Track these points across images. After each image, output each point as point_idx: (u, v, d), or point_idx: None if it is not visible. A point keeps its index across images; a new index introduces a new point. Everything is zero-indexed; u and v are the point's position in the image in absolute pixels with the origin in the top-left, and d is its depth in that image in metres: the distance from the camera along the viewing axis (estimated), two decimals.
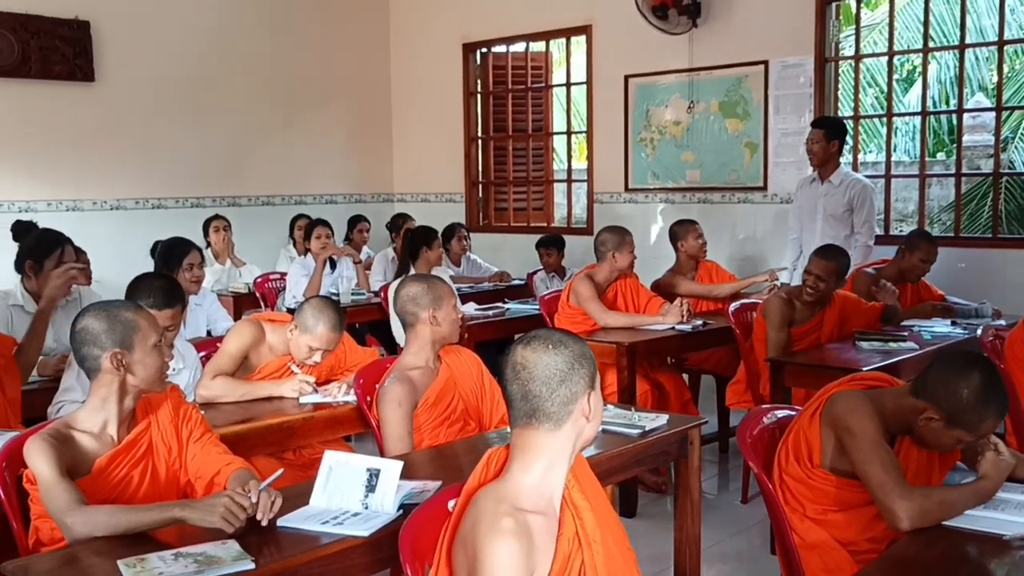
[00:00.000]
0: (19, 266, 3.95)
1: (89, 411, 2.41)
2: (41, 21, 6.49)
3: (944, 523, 2.29)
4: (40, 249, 3.91)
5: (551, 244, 6.66)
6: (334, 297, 6.07)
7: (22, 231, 5.20)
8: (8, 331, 3.81)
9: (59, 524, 2.22)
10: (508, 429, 3.07)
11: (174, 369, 3.33)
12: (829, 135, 5.46)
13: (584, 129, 7.60)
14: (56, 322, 3.93)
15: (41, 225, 5.03)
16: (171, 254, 4.40)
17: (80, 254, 5.44)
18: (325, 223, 6.50)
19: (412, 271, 5.96)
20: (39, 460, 2.26)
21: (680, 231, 5.57)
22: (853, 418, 2.46)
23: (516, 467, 1.89)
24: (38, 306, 3.66)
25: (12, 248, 4.38)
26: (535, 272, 6.64)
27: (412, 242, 6.14)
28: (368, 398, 3.26)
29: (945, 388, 2.36)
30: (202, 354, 3.71)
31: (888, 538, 2.42)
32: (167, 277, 3.50)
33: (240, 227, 7.03)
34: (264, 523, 2.18)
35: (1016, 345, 3.73)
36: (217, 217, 6.83)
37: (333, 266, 6.52)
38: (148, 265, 4.85)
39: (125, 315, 2.42)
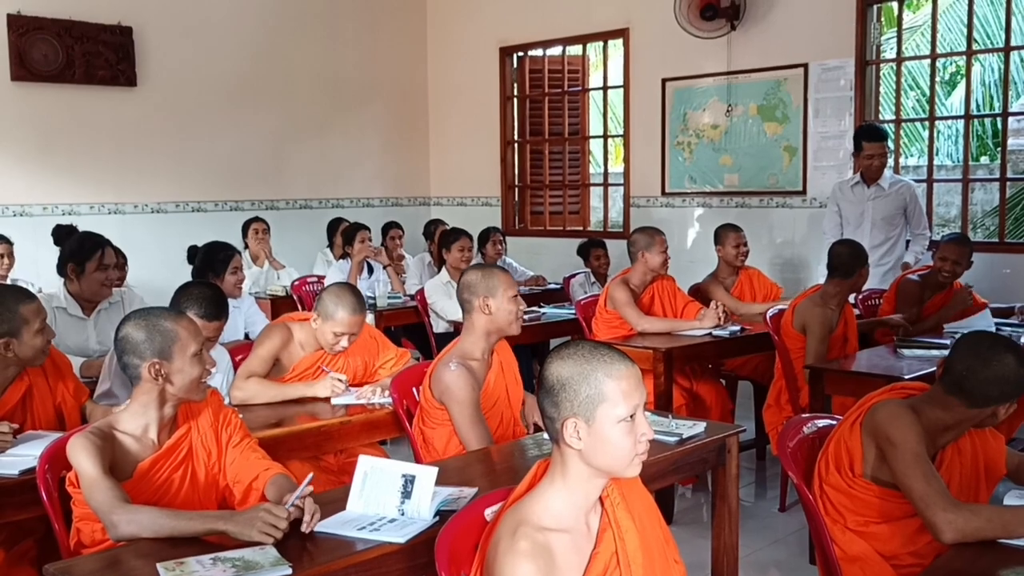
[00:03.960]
0: (61, 269, 4.02)
1: (131, 414, 2.44)
2: (85, 27, 6.59)
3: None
4: (81, 252, 3.97)
5: (601, 246, 6.60)
6: (370, 300, 6.12)
7: (64, 235, 5.27)
8: None
9: (103, 521, 2.24)
10: (543, 435, 3.10)
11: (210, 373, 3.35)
12: (887, 144, 5.50)
13: (621, 133, 7.57)
14: (99, 324, 3.99)
15: (83, 228, 5.10)
16: (216, 258, 4.44)
17: (117, 255, 5.53)
18: (366, 227, 6.55)
19: (444, 274, 6.00)
20: (83, 457, 2.27)
21: (722, 235, 5.54)
22: (894, 428, 2.42)
23: (545, 481, 1.89)
24: None
25: (55, 251, 4.44)
26: (572, 276, 6.60)
27: (438, 246, 6.21)
28: (404, 402, 3.26)
29: (986, 374, 2.39)
30: (239, 358, 3.74)
31: (933, 552, 2.37)
32: (215, 287, 3.53)
33: (278, 230, 7.09)
34: (307, 530, 2.19)
35: None
36: (257, 220, 6.89)
37: (371, 270, 6.55)
38: (187, 268, 4.89)
39: (164, 324, 2.43)
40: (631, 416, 1.82)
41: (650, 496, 2.02)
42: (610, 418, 1.80)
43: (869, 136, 5.54)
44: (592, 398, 1.80)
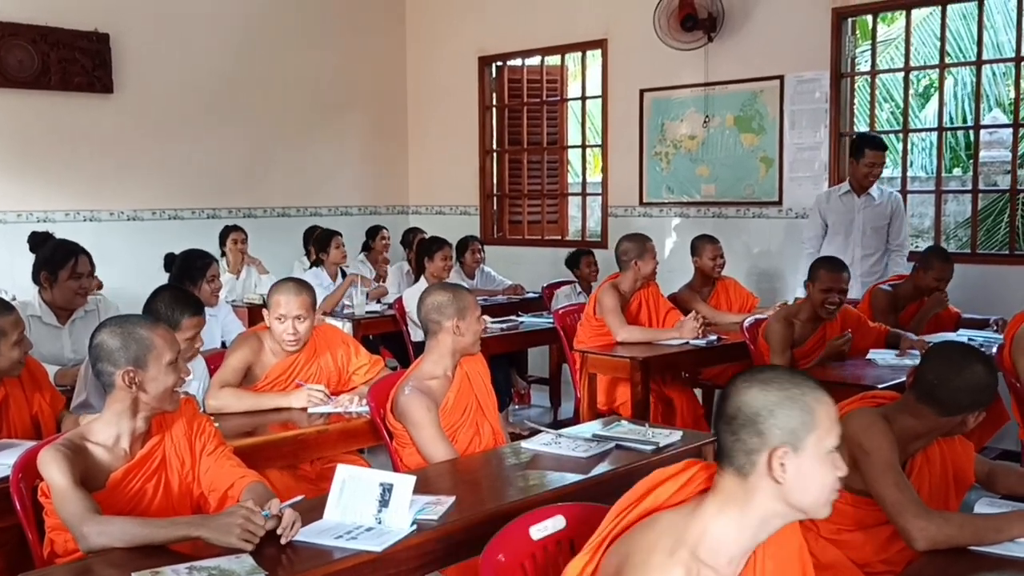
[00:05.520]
0: (35, 277, 3.99)
1: (104, 424, 2.42)
2: (61, 33, 6.55)
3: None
4: (54, 260, 3.95)
5: (591, 254, 6.56)
6: (347, 309, 6.11)
7: (39, 242, 5.24)
8: None
9: (74, 533, 2.22)
10: (520, 444, 3.11)
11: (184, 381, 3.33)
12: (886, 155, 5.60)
13: (599, 143, 7.61)
14: (74, 332, 3.97)
15: (59, 235, 5.06)
16: (194, 266, 4.42)
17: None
18: (338, 232, 6.56)
19: (423, 282, 6.00)
20: (53, 469, 2.26)
21: (699, 246, 5.59)
22: (867, 436, 2.45)
23: (710, 505, 1.72)
24: None
25: (30, 258, 4.41)
26: (557, 286, 6.58)
27: (418, 255, 6.20)
28: (381, 411, 3.26)
29: (957, 383, 2.43)
30: (215, 366, 3.73)
31: (904, 559, 2.40)
32: (182, 288, 3.53)
33: (255, 238, 7.06)
34: (283, 541, 2.18)
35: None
36: (236, 229, 6.86)
37: (343, 275, 6.55)
38: (163, 276, 4.86)
39: (140, 332, 2.41)
40: (836, 448, 1.71)
41: (800, 541, 1.84)
42: (822, 448, 1.68)
43: (873, 144, 5.57)
44: (806, 425, 1.67)
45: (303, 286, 3.64)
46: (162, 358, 2.40)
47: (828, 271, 4.34)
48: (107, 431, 2.41)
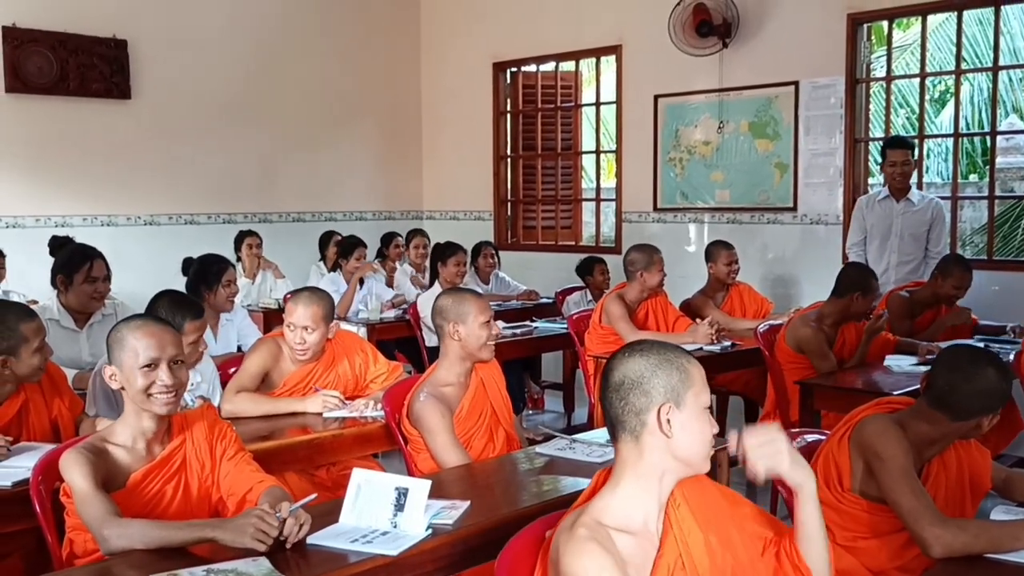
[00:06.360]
0: (53, 281, 4.03)
1: (122, 424, 2.45)
2: (80, 40, 6.61)
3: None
4: (70, 264, 3.99)
5: (603, 262, 6.55)
6: (362, 314, 6.14)
7: (58, 246, 5.29)
8: None
9: (95, 535, 2.24)
10: (534, 449, 3.12)
11: (193, 384, 3.33)
12: (912, 153, 5.51)
13: (613, 148, 7.62)
14: (92, 336, 4.00)
15: (77, 240, 5.11)
16: (210, 270, 4.45)
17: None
18: (364, 243, 6.59)
19: (437, 287, 6.02)
20: (75, 472, 2.28)
21: (714, 252, 5.57)
22: (881, 443, 2.44)
23: (608, 486, 1.86)
24: None
25: (47, 263, 4.45)
26: (569, 292, 6.57)
27: (432, 260, 6.23)
28: (396, 416, 3.27)
29: (968, 388, 2.42)
30: (232, 370, 3.75)
31: (920, 567, 2.39)
32: (181, 293, 3.56)
33: (271, 243, 7.11)
34: (288, 545, 2.19)
35: None
36: (251, 234, 6.90)
37: (361, 284, 6.57)
38: (179, 281, 4.89)
39: (121, 332, 2.43)
40: (708, 407, 1.86)
41: (718, 491, 1.96)
42: (698, 404, 1.83)
43: (892, 143, 5.56)
44: (683, 382, 1.82)
45: (316, 298, 3.62)
46: (136, 358, 2.38)
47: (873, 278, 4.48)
48: (125, 432, 2.43)
